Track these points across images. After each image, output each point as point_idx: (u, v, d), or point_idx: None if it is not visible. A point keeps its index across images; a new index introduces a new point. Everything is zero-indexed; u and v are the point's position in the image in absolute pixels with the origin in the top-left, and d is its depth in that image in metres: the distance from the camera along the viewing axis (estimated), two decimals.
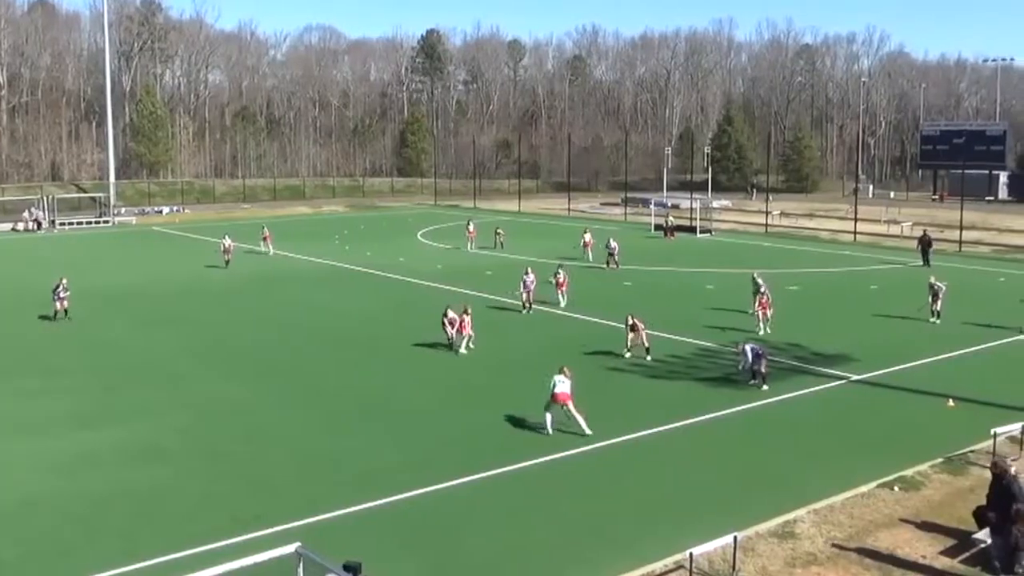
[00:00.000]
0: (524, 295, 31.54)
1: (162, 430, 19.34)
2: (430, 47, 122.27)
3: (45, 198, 70.88)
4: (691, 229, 59.33)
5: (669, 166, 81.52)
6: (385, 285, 38.75)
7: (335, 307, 33.78)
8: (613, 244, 43.08)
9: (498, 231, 50.92)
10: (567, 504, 15.52)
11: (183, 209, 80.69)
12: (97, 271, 43.56)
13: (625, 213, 71.82)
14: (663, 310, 31.70)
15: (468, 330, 25.87)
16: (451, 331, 25.82)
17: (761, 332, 27.62)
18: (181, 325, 30.60)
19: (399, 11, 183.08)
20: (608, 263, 42.14)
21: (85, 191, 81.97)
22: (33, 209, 67.90)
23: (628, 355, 25.03)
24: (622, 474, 16.92)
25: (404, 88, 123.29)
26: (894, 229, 58.50)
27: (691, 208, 62.48)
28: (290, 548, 8.67)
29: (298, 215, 77.08)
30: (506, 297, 33.21)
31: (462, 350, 25.61)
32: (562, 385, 18.48)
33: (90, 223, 69.80)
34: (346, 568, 8.16)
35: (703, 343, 26.81)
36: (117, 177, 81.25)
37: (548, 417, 18.56)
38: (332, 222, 69.42)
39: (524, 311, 31.40)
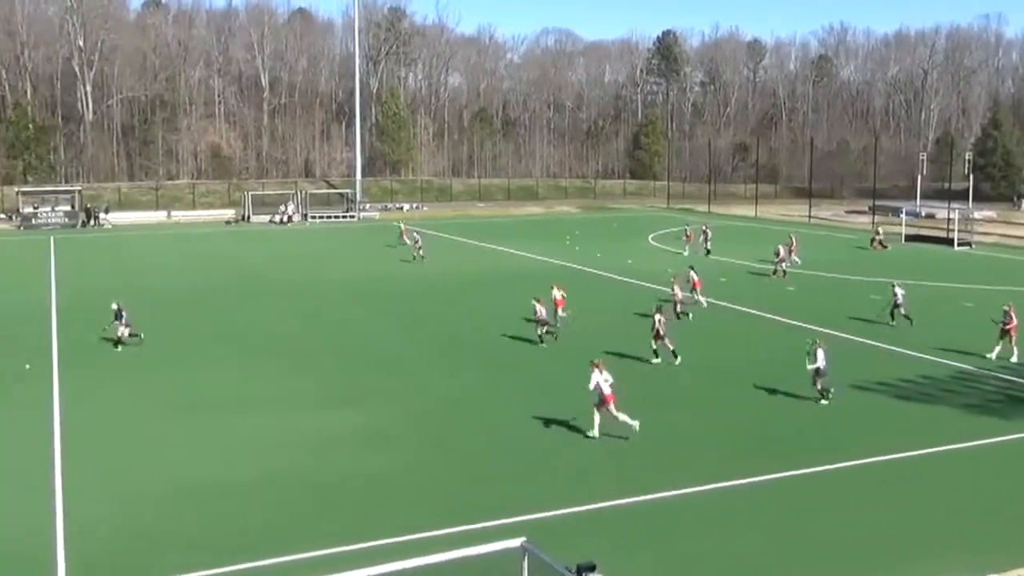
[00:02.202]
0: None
1: (396, 416, 19.86)
2: (666, 48, 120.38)
3: (299, 193, 75.63)
4: (948, 241, 54.52)
5: (924, 173, 75.14)
6: (611, 287, 37.83)
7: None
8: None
9: (705, 232, 49.34)
10: (804, 521, 14.40)
11: (422, 206, 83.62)
12: (342, 263, 45.65)
13: (873, 221, 67.03)
14: (915, 327, 28.84)
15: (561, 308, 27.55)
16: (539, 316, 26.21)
17: (1014, 358, 24.38)
18: (418, 316, 31.34)
19: (635, 13, 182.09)
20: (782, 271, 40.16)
21: (334, 187, 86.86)
22: (289, 203, 72.61)
23: None
24: (872, 495, 15.46)
25: (639, 90, 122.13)
26: None
27: (948, 219, 57.63)
28: (515, 542, 8.45)
29: (530, 215, 77.79)
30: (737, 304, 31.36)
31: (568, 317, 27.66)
32: (607, 385, 17.72)
33: (338, 217, 73.73)
34: (579, 569, 7.80)
35: (957, 364, 24.06)
36: (363, 175, 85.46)
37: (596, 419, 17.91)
38: (563, 223, 69.43)
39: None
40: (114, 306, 26.11)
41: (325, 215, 73.94)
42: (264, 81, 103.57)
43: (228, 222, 71.73)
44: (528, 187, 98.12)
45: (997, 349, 24.65)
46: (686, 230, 50.87)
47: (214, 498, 15.37)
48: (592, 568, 7.83)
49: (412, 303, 33.90)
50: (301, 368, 24.14)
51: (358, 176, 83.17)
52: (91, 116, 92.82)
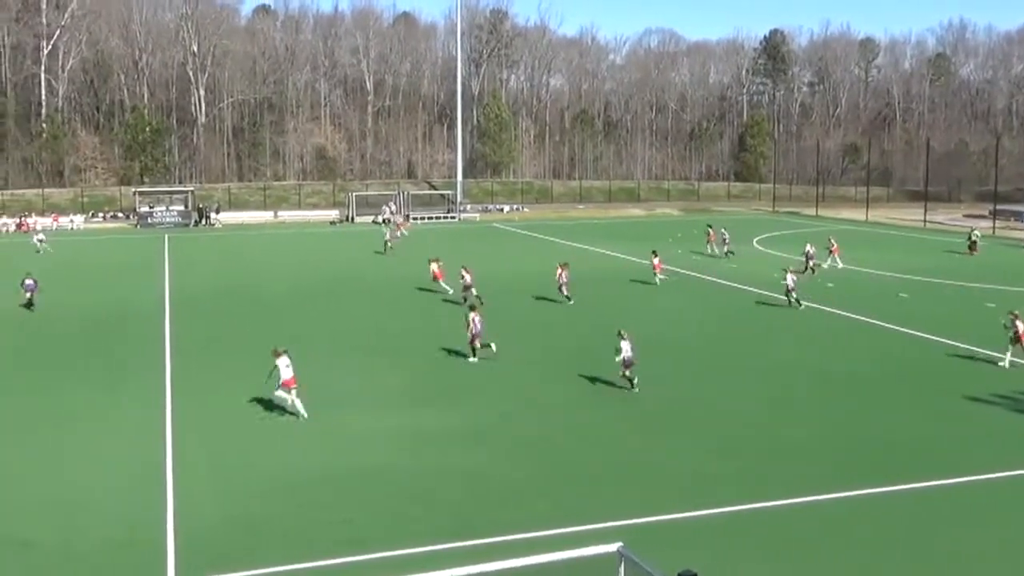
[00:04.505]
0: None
1: (487, 415, 19.67)
2: (773, 48, 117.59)
3: (401, 194, 76.45)
4: None
5: None
6: (714, 292, 36.77)
7: (658, 310, 32.38)
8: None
9: (722, 232, 49.31)
10: (924, 536, 13.58)
11: (522, 208, 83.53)
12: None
13: (993, 227, 63.95)
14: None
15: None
16: None
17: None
18: (511, 318, 30.75)
19: (741, 12, 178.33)
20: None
21: (436, 188, 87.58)
22: (391, 204, 73.45)
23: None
24: (995, 511, 14.39)
25: (744, 90, 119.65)
26: None
27: None
28: (612, 547, 8.23)
29: (631, 217, 76.81)
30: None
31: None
32: (288, 370, 19.02)
33: (439, 218, 74.26)
34: None
35: None
36: (464, 176, 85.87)
37: (288, 401, 19.08)
38: (665, 225, 68.29)
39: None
40: (28, 281, 32.23)
41: (427, 216, 74.53)
42: (369, 84, 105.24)
43: (332, 222, 72.96)
44: (629, 189, 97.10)
45: None
46: (708, 230, 50.79)
47: (316, 492, 15.36)
48: None
49: (506, 304, 33.46)
50: (397, 365, 24.11)
51: (459, 177, 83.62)
52: (203, 119, 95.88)
